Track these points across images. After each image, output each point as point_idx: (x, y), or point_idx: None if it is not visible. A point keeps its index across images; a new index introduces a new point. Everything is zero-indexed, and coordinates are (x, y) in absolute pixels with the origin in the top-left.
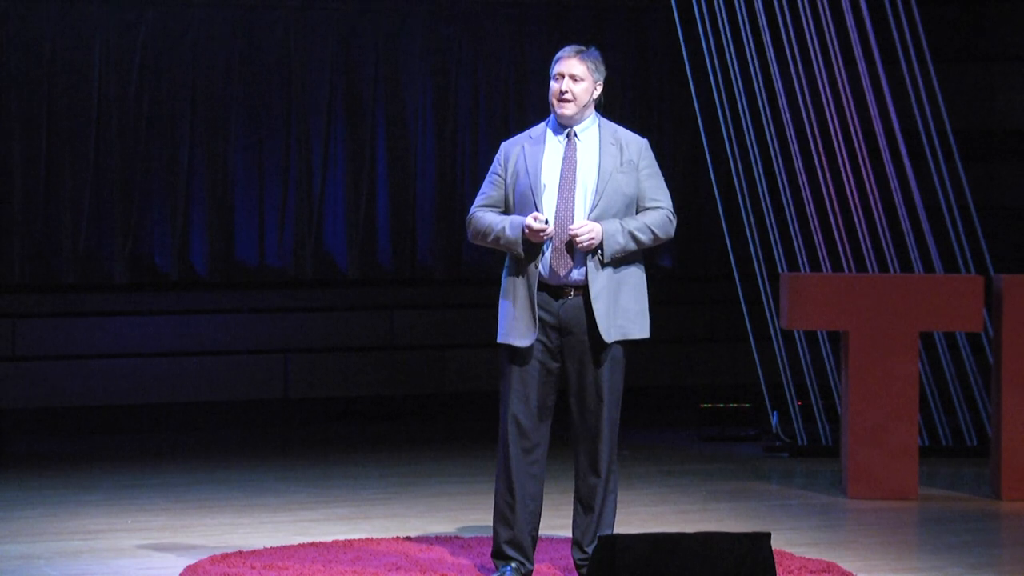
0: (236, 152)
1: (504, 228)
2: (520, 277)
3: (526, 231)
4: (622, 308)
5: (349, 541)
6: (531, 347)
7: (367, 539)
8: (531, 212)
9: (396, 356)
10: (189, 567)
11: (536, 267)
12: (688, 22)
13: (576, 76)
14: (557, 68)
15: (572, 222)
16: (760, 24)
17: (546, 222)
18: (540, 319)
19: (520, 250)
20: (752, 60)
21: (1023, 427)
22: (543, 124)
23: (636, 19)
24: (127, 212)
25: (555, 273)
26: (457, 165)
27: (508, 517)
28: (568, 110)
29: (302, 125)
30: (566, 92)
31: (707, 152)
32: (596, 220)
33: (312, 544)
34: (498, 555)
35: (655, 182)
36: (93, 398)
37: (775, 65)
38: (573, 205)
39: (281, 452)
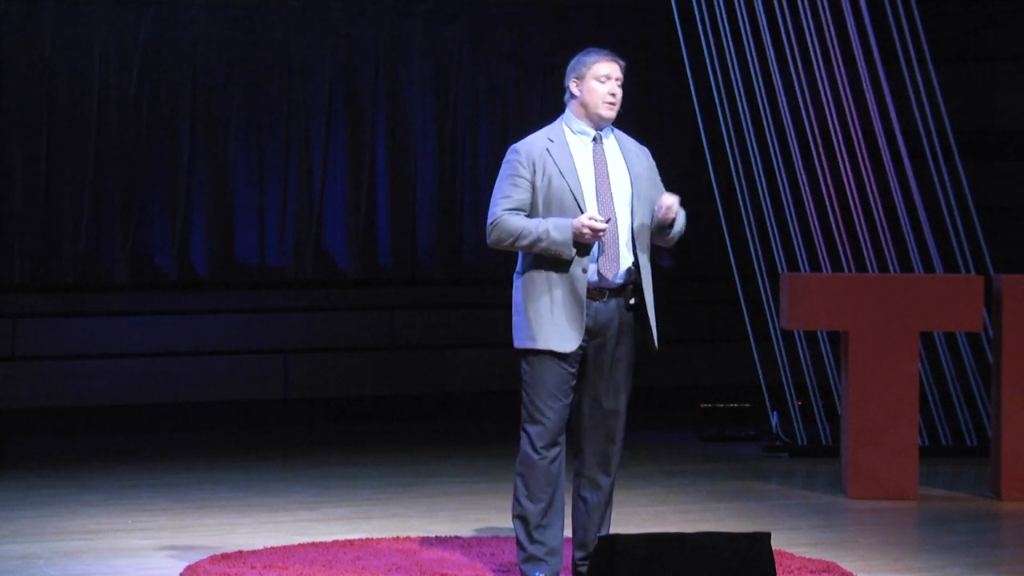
0: (236, 152)
1: (548, 231)
2: (560, 279)
3: (586, 232)
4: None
5: (349, 541)
6: (570, 351)
7: (367, 539)
8: (573, 215)
9: (396, 356)
10: (189, 567)
11: (584, 271)
12: (688, 22)
13: (620, 81)
14: (602, 70)
15: (615, 226)
16: (760, 24)
17: (607, 221)
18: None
19: (572, 252)
20: (752, 60)
21: (1023, 427)
22: (557, 124)
23: (636, 19)
24: (127, 212)
25: (603, 276)
26: (457, 165)
27: (537, 522)
28: (614, 113)
29: (302, 125)
30: (615, 94)
31: (707, 152)
32: (639, 226)
33: (312, 544)
34: (528, 560)
35: (662, 187)
36: (93, 398)
37: (775, 65)
38: (613, 209)
39: (281, 452)
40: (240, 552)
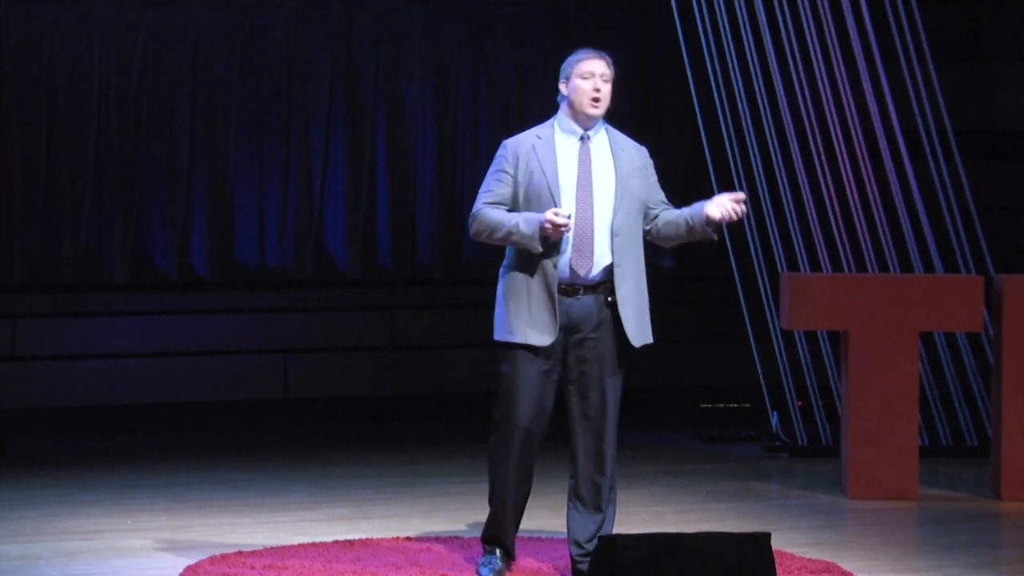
0: (236, 152)
1: (518, 224)
2: (535, 275)
3: (547, 226)
4: (643, 313)
5: (349, 541)
6: (546, 346)
7: (367, 539)
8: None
9: (396, 356)
10: (189, 567)
11: (555, 266)
12: (688, 22)
13: (605, 76)
14: (586, 68)
15: (591, 224)
16: (760, 24)
17: (568, 217)
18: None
19: (538, 245)
20: (752, 60)
21: (1023, 427)
22: (549, 123)
23: (636, 19)
24: (127, 212)
25: (575, 273)
26: (457, 165)
27: (502, 509)
28: (600, 110)
29: (302, 125)
30: (600, 90)
31: (707, 152)
32: (620, 223)
33: (312, 544)
34: (488, 539)
35: (658, 186)
36: (93, 398)
37: (775, 65)
38: (592, 207)
39: (281, 452)
40: (240, 552)
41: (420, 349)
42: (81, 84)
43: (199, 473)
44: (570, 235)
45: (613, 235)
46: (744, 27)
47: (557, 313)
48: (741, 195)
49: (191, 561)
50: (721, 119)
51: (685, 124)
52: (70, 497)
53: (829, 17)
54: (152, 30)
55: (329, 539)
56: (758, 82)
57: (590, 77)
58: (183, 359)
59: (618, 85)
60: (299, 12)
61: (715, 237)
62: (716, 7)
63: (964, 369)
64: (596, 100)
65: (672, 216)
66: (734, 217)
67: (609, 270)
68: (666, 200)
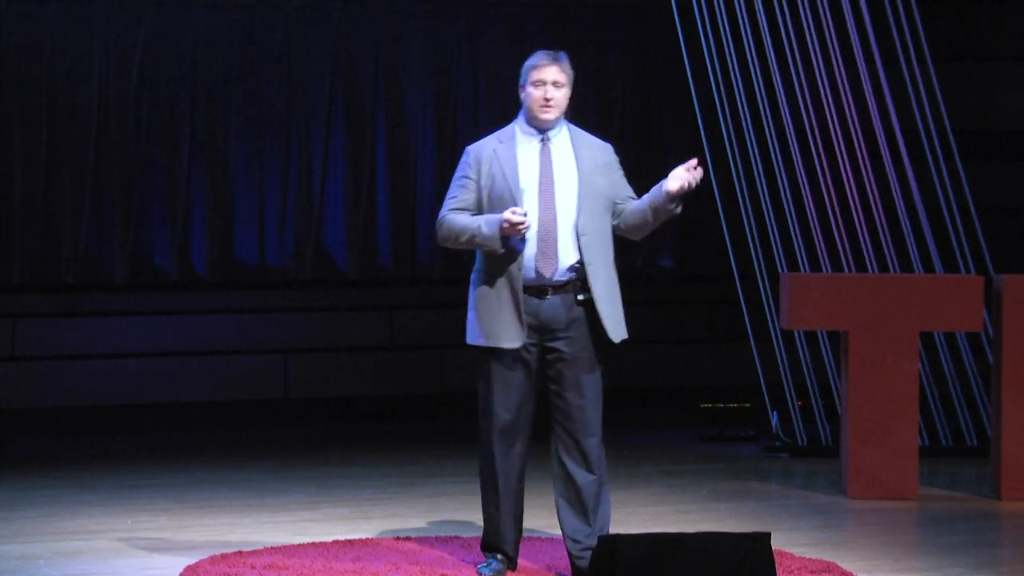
0: (236, 152)
1: (480, 226)
2: (501, 279)
3: (505, 225)
4: (617, 309)
5: (349, 541)
6: (516, 348)
7: (367, 539)
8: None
9: (396, 356)
10: (189, 567)
11: (519, 269)
12: (688, 22)
13: (558, 83)
14: (537, 75)
15: (555, 224)
16: (760, 24)
17: (525, 215)
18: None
19: (499, 246)
20: (752, 60)
21: (1023, 427)
22: (511, 127)
23: (636, 19)
24: (127, 212)
25: (540, 274)
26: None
27: (496, 515)
28: (552, 115)
29: (302, 125)
30: (551, 99)
31: (707, 152)
32: (585, 223)
33: (312, 544)
34: (487, 547)
35: (626, 181)
36: (93, 398)
37: (775, 65)
38: (554, 208)
39: (281, 452)
40: (240, 552)
41: (420, 349)
42: (81, 84)
43: (199, 473)
44: (534, 236)
45: (580, 235)
46: (744, 27)
47: (523, 315)
48: (693, 161)
49: (191, 561)
50: (721, 119)
51: (685, 124)
52: (70, 497)
53: (829, 17)
54: (152, 30)
55: (329, 539)
56: (758, 82)
57: (541, 85)
58: (183, 359)
59: (618, 85)
60: (299, 12)
61: (678, 211)
62: (716, 7)
63: (964, 369)
64: (546, 107)
65: (635, 205)
66: (692, 183)
67: (575, 269)
68: (634, 196)
